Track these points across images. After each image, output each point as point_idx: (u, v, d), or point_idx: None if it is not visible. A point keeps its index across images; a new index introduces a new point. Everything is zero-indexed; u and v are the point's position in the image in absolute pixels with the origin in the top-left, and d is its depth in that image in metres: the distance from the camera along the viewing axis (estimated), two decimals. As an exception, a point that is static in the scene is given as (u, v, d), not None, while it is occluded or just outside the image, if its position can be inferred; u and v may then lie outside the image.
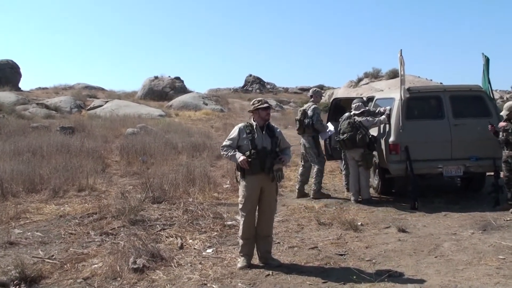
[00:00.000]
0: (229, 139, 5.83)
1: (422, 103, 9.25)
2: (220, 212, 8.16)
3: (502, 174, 8.47)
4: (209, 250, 6.41)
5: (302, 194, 9.88)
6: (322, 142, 10.26)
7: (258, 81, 57.66)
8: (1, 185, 9.31)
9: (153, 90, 41.04)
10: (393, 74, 31.44)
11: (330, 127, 9.80)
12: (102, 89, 48.49)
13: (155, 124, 22.49)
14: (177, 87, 41.75)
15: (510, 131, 8.01)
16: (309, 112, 9.64)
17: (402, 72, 8.94)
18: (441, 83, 25.77)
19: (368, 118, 9.23)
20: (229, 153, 5.74)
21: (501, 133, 8.20)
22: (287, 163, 6.87)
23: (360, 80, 36.49)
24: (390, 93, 10.79)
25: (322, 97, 10.39)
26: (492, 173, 8.74)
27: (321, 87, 50.43)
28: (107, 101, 33.82)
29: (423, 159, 8.76)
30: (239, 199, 5.83)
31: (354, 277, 5.18)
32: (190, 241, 6.76)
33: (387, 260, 5.93)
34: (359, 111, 9.30)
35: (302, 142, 9.95)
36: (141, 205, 8.28)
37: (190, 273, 5.56)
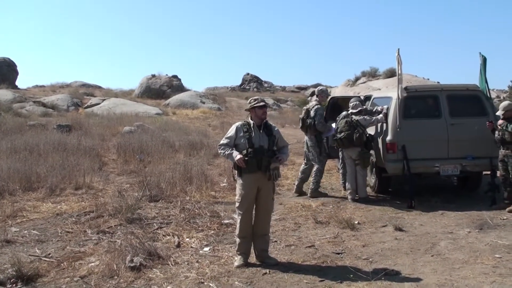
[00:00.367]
0: (226, 138, 5.82)
1: (419, 102, 9.25)
2: (217, 210, 8.16)
3: (498, 173, 8.49)
4: (206, 249, 6.41)
5: (300, 191, 9.90)
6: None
7: (256, 79, 57.69)
8: (-2, 183, 9.29)
9: (150, 88, 40.97)
10: (391, 73, 31.40)
11: (334, 126, 9.77)
12: (99, 87, 48.43)
13: (152, 122, 22.46)
14: (175, 85, 41.69)
15: (505, 129, 8.03)
16: (312, 113, 9.63)
17: (399, 71, 8.95)
18: (438, 82, 25.78)
19: (365, 117, 9.24)
20: (226, 152, 5.74)
21: (496, 132, 8.22)
22: (284, 162, 6.87)
23: (357, 79, 36.44)
24: (388, 92, 10.79)
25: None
26: (489, 172, 8.77)
27: (319, 86, 50.53)
28: (104, 99, 33.75)
29: (420, 158, 8.78)
30: (236, 197, 5.83)
31: (351, 275, 5.18)
32: (187, 239, 6.76)
33: (383, 258, 5.94)
34: (357, 110, 9.31)
35: (305, 139, 9.99)
36: (138, 204, 8.28)
37: (187, 272, 5.56)
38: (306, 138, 9.95)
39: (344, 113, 9.42)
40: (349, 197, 9.26)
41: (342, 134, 9.11)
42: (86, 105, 32.26)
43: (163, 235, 6.94)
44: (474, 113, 8.95)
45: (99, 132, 18.30)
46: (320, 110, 9.59)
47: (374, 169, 9.79)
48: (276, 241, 6.68)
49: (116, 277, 5.39)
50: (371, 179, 9.98)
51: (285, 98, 45.35)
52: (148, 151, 13.89)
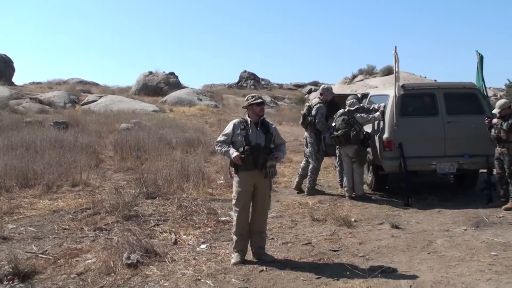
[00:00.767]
0: (223, 135, 5.82)
1: (416, 100, 9.26)
2: (214, 208, 8.16)
3: (494, 171, 8.52)
4: (203, 246, 6.41)
5: (299, 188, 9.89)
6: None
7: (253, 77, 57.61)
8: (-6, 180, 9.27)
9: (147, 85, 40.85)
10: (388, 71, 31.45)
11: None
12: (96, 84, 48.27)
13: (149, 119, 22.40)
14: (172, 82, 41.57)
15: (500, 127, 8.05)
16: (313, 111, 9.62)
17: (396, 69, 8.97)
18: (435, 80, 25.83)
19: (362, 114, 9.25)
20: (223, 149, 5.74)
21: (492, 130, 8.25)
22: (281, 160, 6.88)
23: (354, 76, 36.47)
24: (385, 90, 10.80)
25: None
26: (485, 171, 8.79)
27: (316, 83, 50.57)
28: (101, 96, 33.61)
29: (416, 156, 8.80)
30: (233, 194, 5.84)
31: (348, 273, 5.20)
32: (184, 236, 6.76)
33: (380, 256, 5.96)
34: (354, 108, 9.31)
35: (305, 135, 9.98)
36: (135, 201, 8.27)
37: (184, 269, 5.56)
38: (306, 134, 9.95)
39: (341, 111, 9.42)
40: (346, 194, 9.27)
41: (339, 131, 9.12)
42: (83, 102, 32.15)
43: (160, 232, 6.94)
44: (471, 111, 8.97)
45: (96, 129, 18.26)
46: (321, 109, 9.56)
47: (371, 166, 9.81)
48: (273, 239, 6.69)
49: (113, 274, 5.39)
50: (368, 177, 10.00)
51: (282, 96, 45.31)
52: (145, 148, 13.86)
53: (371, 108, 9.45)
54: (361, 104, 9.72)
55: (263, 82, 57.61)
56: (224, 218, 7.61)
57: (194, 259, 5.90)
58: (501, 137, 8.09)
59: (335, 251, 6.19)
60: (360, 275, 5.14)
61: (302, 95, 45.15)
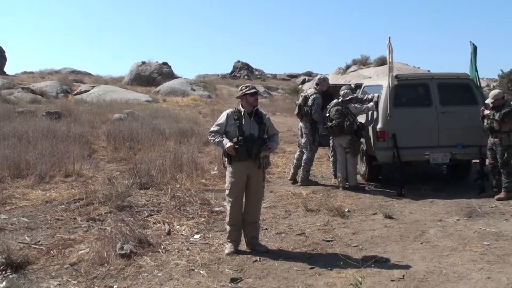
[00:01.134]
0: (216, 125, 5.81)
1: (410, 91, 9.27)
2: (208, 198, 8.16)
3: (487, 162, 8.55)
4: (197, 236, 6.42)
5: (294, 178, 9.88)
6: None
7: (246, 67, 57.42)
8: (-14, 171, 9.22)
9: (140, 75, 40.65)
10: (382, 62, 31.43)
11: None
12: (89, 74, 47.96)
13: (142, 109, 22.32)
14: (165, 72, 41.40)
15: (492, 118, 8.07)
16: (310, 101, 9.59)
17: (390, 60, 8.96)
18: (428, 70, 25.86)
19: (356, 105, 9.24)
20: (216, 139, 5.73)
21: (485, 121, 8.27)
22: (275, 150, 6.87)
23: (348, 67, 36.46)
24: (378, 80, 10.81)
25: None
26: (478, 161, 8.83)
27: (310, 74, 50.47)
28: (93, 86, 33.46)
29: (410, 146, 8.81)
30: (226, 185, 5.84)
31: (341, 263, 5.21)
32: (178, 227, 6.76)
33: (373, 246, 5.98)
34: (347, 98, 9.30)
35: (300, 126, 9.96)
36: (128, 191, 8.25)
37: (177, 259, 5.56)
38: (301, 124, 9.93)
39: (335, 101, 9.40)
40: (340, 185, 9.29)
41: (333, 122, 9.10)
42: (75, 92, 31.96)
43: (154, 223, 6.93)
44: (464, 101, 8.99)
45: (88, 119, 18.17)
46: (318, 100, 9.53)
47: (364, 157, 9.83)
48: (266, 229, 6.70)
49: (106, 264, 5.39)
50: (362, 167, 10.01)
51: (276, 86, 45.22)
52: (138, 138, 13.82)
53: (364, 98, 9.45)
54: (355, 95, 9.71)
55: (256, 73, 57.45)
56: (217, 209, 7.61)
57: (188, 249, 5.90)
58: (493, 128, 8.11)
59: (328, 241, 6.21)
60: (353, 265, 5.16)
61: (295, 85, 45.06)
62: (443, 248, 5.81)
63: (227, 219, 5.87)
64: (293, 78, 54.40)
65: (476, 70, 9.36)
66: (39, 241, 6.22)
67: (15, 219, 7.17)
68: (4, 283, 4.99)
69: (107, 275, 5.16)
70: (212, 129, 5.83)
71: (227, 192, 5.81)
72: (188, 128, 16.21)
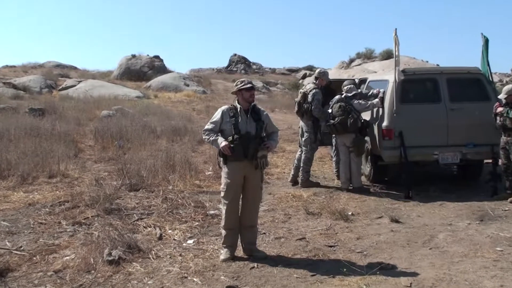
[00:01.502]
0: (211, 123, 5.79)
1: (418, 86, 9.27)
2: (202, 200, 8.14)
3: (500, 162, 8.55)
4: (190, 241, 6.40)
5: (295, 180, 9.87)
6: None
7: (243, 61, 57.43)
8: (-35, 171, 9.19)
9: (130, 69, 40.65)
10: (387, 55, 31.50)
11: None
12: (75, 68, 47.96)
13: (132, 106, 22.32)
14: (156, 66, 41.41)
15: (506, 115, 8.06)
16: (309, 97, 9.57)
17: (396, 53, 8.95)
18: (437, 65, 25.95)
19: (360, 101, 9.23)
20: (210, 138, 5.71)
21: (498, 118, 8.25)
22: (273, 149, 6.86)
23: (352, 61, 36.52)
24: (384, 75, 10.80)
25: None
26: (490, 161, 8.83)
27: (311, 68, 50.48)
28: (80, 81, 33.46)
29: (418, 145, 8.81)
30: (221, 186, 5.83)
31: (344, 269, 5.20)
32: (170, 231, 6.75)
33: (379, 252, 5.98)
34: (351, 94, 9.29)
35: (300, 124, 9.94)
36: (117, 193, 8.24)
37: (169, 266, 5.55)
38: (301, 123, 9.91)
39: (337, 97, 9.39)
40: (343, 186, 9.28)
41: (336, 119, 9.09)
42: (60, 87, 31.95)
43: (144, 227, 6.91)
44: (475, 97, 8.99)
45: (74, 116, 18.15)
46: (318, 95, 9.51)
47: (369, 157, 9.81)
48: (264, 233, 6.69)
49: (93, 271, 5.36)
50: (366, 168, 10.01)
51: (275, 81, 45.29)
52: (128, 137, 13.80)
53: (369, 94, 9.44)
54: (359, 90, 9.70)
55: (254, 67, 57.48)
56: (212, 212, 7.60)
57: (181, 255, 5.89)
58: (506, 126, 8.10)
59: (331, 246, 6.20)
60: (357, 272, 5.15)
61: (296, 80, 45.13)
62: (453, 254, 5.80)
63: (222, 223, 5.85)
64: (293, 72, 54.50)
65: (488, 64, 9.36)
66: (21, 247, 6.18)
67: (-5, 223, 7.15)
68: (-17, 291, 4.97)
69: (94, 283, 5.13)
70: (206, 127, 5.82)
71: (222, 194, 5.80)
72: (181, 126, 16.21)
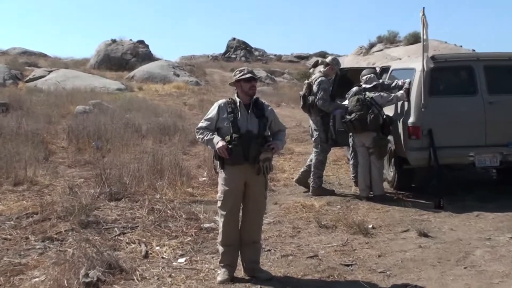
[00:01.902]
0: (206, 119, 5.79)
1: (450, 75, 9.28)
2: (195, 211, 8.16)
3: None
4: (181, 260, 6.41)
5: (303, 182, 9.85)
6: None
7: (244, 46, 57.62)
8: None
9: (110, 57, 40.81)
10: (414, 39, 31.42)
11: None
12: (45, 56, 48.20)
13: (112, 100, 22.39)
14: (141, 53, 41.56)
15: None
16: (314, 87, 9.57)
17: (424, 36, 8.94)
18: (473, 50, 25.86)
19: (382, 93, 9.23)
20: (205, 137, 5.70)
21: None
22: (279, 151, 6.85)
23: (372, 46, 36.44)
24: (410, 63, 10.79)
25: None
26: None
27: (323, 54, 50.52)
28: (51, 71, 33.57)
29: (450, 146, 8.81)
30: (218, 195, 5.83)
31: (364, 293, 5.21)
32: (157, 248, 6.76)
33: (404, 272, 5.98)
34: (371, 85, 9.29)
35: (310, 122, 9.96)
36: (95, 203, 8.25)
37: (157, 289, 5.56)
38: (310, 120, 9.93)
39: (355, 88, 9.39)
40: (362, 194, 9.29)
41: (353, 115, 9.08)
42: (27, 78, 32.06)
43: (127, 243, 6.92)
44: (518, 89, 8.99)
45: (44, 112, 18.20)
46: (324, 84, 9.50)
47: (392, 159, 9.82)
48: (269, 250, 6.70)
49: (67, 295, 5.38)
50: (389, 172, 10.01)
51: (281, 70, 45.41)
52: (108, 136, 13.83)
53: (393, 85, 9.44)
54: (381, 81, 9.70)
55: (256, 53, 57.68)
56: (207, 225, 7.61)
57: (170, 276, 5.90)
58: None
59: (347, 265, 6.21)
60: (379, 296, 5.16)
61: (306, 69, 45.12)
62: (492, 273, 5.81)
63: (219, 238, 5.86)
64: (302, 59, 54.63)
65: (534, 49, 9.36)
66: (-19, 267, 6.21)
67: (-49, 238, 7.17)
68: None
69: (68, 309, 5.15)
70: (200, 124, 5.82)
71: (219, 204, 5.80)
72: (171, 124, 16.25)
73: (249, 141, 5.58)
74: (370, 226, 7.65)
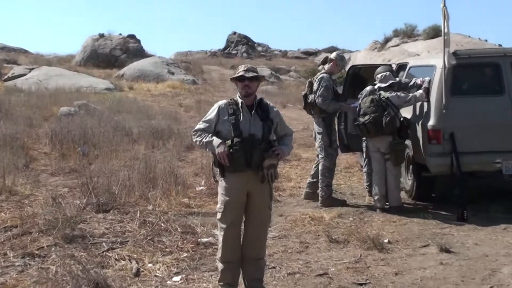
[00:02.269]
0: (204, 121, 5.77)
1: (474, 73, 9.29)
2: (192, 225, 8.16)
3: None
4: (177, 278, 6.42)
5: (312, 195, 9.84)
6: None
7: (246, 41, 57.76)
8: None
9: (97, 53, 40.90)
10: (434, 33, 31.54)
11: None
12: (25, 52, 48.35)
13: (100, 101, 22.42)
14: (132, 49, 41.64)
15: None
16: (315, 85, 9.56)
17: (446, 30, 8.95)
18: (499, 45, 25.89)
19: (398, 93, 9.23)
20: (203, 140, 5.64)
21: None
22: (285, 157, 6.85)
23: (387, 40, 36.56)
24: (430, 59, 10.80)
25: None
26: None
27: (334, 50, 50.54)
28: (32, 69, 33.66)
29: (474, 151, 8.81)
30: (218, 206, 5.82)
31: (379, 315, 5.21)
32: (150, 265, 6.76)
33: (424, 291, 5.98)
34: (386, 84, 9.29)
35: (314, 125, 9.97)
36: (81, 215, 8.26)
37: (149, 310, 5.57)
38: (314, 123, 9.93)
39: (368, 88, 9.40)
40: (377, 205, 9.28)
41: (367, 117, 9.07)
42: (6, 77, 32.14)
43: (116, 260, 6.92)
44: (550, 88, 8.99)
45: (25, 114, 18.23)
46: (325, 81, 9.47)
47: (411, 166, 9.82)
48: (274, 268, 6.70)
49: (49, 318, 5.38)
50: (407, 181, 10.01)
51: (287, 67, 45.44)
52: (95, 141, 13.86)
53: (410, 84, 9.45)
54: (397, 79, 9.70)
55: (259, 49, 57.80)
56: (205, 240, 7.61)
57: (164, 296, 5.90)
58: None
59: (361, 284, 6.21)
60: (396, 318, 5.16)
61: (314, 66, 45.14)
62: (522, 293, 5.80)
63: (219, 254, 5.86)
64: (310, 56, 54.69)
65: None
66: (-45, 286, 6.22)
67: None
68: None
69: (51, 333, 5.16)
70: (197, 126, 5.79)
71: (219, 216, 5.79)
72: (165, 127, 16.26)
73: (252, 146, 5.55)
74: (386, 240, 7.65)
